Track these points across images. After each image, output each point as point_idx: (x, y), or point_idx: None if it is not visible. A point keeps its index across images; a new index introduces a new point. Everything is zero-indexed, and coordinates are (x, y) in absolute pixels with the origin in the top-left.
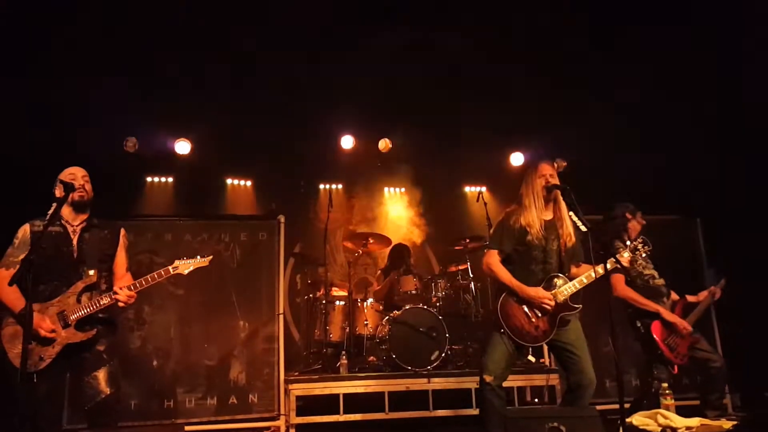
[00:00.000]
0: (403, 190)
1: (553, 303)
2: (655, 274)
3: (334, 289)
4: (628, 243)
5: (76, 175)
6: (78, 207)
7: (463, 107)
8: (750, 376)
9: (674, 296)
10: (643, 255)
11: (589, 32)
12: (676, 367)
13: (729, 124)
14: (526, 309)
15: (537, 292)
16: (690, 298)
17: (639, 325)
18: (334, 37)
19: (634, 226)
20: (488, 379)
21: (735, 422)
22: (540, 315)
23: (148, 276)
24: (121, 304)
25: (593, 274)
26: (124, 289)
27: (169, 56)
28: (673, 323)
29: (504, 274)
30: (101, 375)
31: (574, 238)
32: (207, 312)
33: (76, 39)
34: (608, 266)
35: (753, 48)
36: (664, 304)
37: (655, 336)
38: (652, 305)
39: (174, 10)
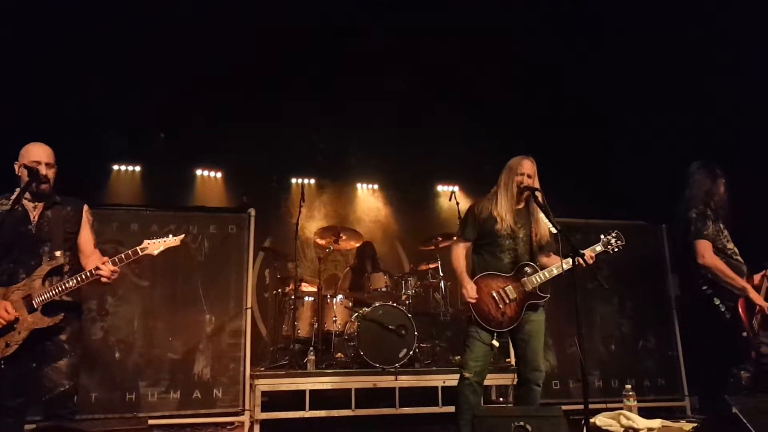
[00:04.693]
0: (375, 186)
1: (471, 299)
2: (736, 250)
3: (303, 284)
4: (602, 238)
5: (41, 160)
6: (37, 196)
7: (438, 107)
8: (709, 379)
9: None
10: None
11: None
12: (753, 353)
13: (697, 131)
14: (494, 294)
15: (468, 283)
16: (756, 279)
17: (722, 307)
18: (310, 32)
19: (719, 186)
20: (467, 375)
21: (695, 424)
22: (507, 301)
23: (122, 254)
24: (104, 280)
25: (564, 266)
26: (107, 263)
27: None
28: (759, 305)
29: (456, 262)
30: (62, 366)
31: (546, 234)
32: (172, 305)
33: None
34: (571, 260)
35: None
36: None
37: (741, 314)
38: (739, 281)
39: None
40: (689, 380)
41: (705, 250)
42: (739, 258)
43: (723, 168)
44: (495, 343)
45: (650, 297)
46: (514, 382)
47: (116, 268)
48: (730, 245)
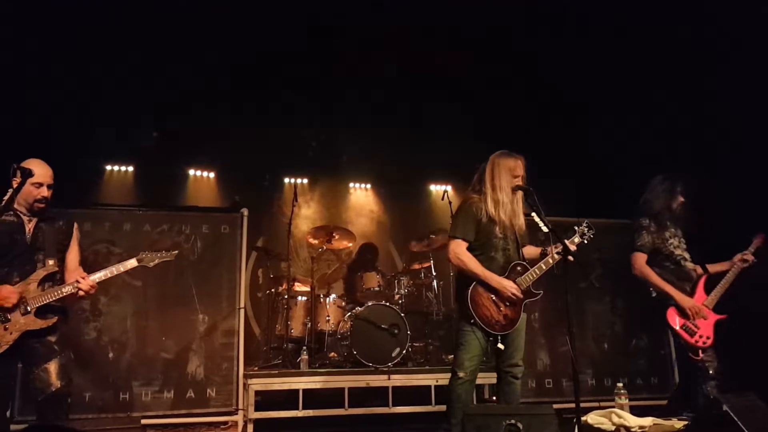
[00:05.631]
0: (368, 186)
1: (520, 294)
2: (687, 256)
3: (296, 284)
4: (576, 229)
5: (43, 182)
6: (34, 213)
7: (431, 106)
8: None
9: (698, 270)
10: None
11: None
12: (699, 352)
13: (686, 128)
14: (494, 298)
15: (508, 282)
16: (712, 268)
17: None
18: (303, 30)
19: (676, 200)
20: (461, 374)
21: (686, 422)
22: (508, 303)
23: (112, 267)
24: (81, 293)
25: (550, 260)
26: (87, 278)
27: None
28: (687, 308)
29: (474, 265)
30: (52, 367)
31: (524, 226)
32: (165, 305)
33: None
34: (556, 255)
35: (723, 57)
36: (687, 289)
37: (670, 322)
38: (666, 288)
39: None
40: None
41: (635, 261)
42: (688, 263)
43: (690, 178)
44: (500, 346)
45: (642, 296)
46: None
47: (95, 284)
48: (679, 251)
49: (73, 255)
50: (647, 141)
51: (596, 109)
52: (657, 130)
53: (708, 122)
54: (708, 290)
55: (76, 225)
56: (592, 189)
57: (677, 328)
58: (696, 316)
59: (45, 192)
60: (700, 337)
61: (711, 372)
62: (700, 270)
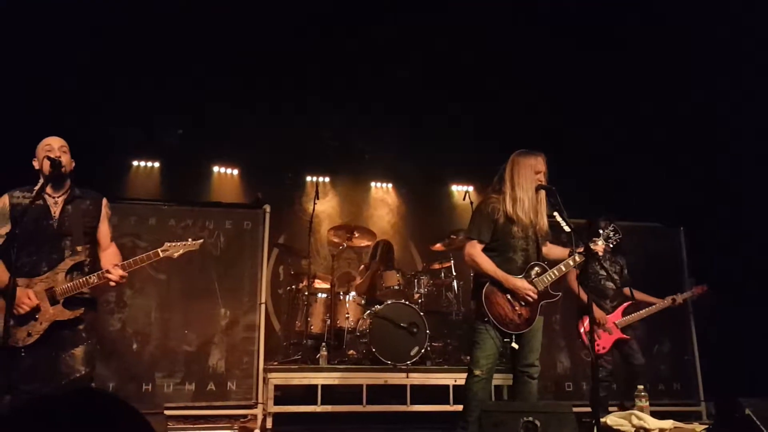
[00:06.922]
0: (390, 185)
1: (536, 294)
2: (609, 275)
3: (316, 281)
4: (601, 232)
5: (52, 146)
6: (56, 180)
7: (454, 106)
8: (725, 382)
9: (626, 292)
10: (615, 242)
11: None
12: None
13: (714, 134)
14: (509, 297)
15: (522, 283)
16: (639, 296)
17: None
18: (323, 29)
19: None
20: (478, 372)
21: (707, 426)
22: (523, 303)
23: (137, 257)
24: (112, 284)
25: (571, 263)
26: (116, 268)
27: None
28: (598, 319)
29: (488, 266)
30: (78, 353)
31: (546, 226)
32: (188, 298)
33: None
34: (578, 257)
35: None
36: (605, 304)
37: (579, 324)
38: (582, 297)
39: None
40: (705, 385)
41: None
42: (608, 283)
43: None
44: (515, 345)
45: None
46: None
47: (125, 273)
48: (603, 272)
49: (104, 233)
50: (677, 145)
51: (623, 110)
52: (686, 132)
53: (708, 124)
54: (626, 314)
55: (104, 202)
56: (616, 192)
57: (581, 330)
58: (601, 328)
59: (56, 152)
60: (598, 345)
61: (601, 375)
62: (627, 292)
